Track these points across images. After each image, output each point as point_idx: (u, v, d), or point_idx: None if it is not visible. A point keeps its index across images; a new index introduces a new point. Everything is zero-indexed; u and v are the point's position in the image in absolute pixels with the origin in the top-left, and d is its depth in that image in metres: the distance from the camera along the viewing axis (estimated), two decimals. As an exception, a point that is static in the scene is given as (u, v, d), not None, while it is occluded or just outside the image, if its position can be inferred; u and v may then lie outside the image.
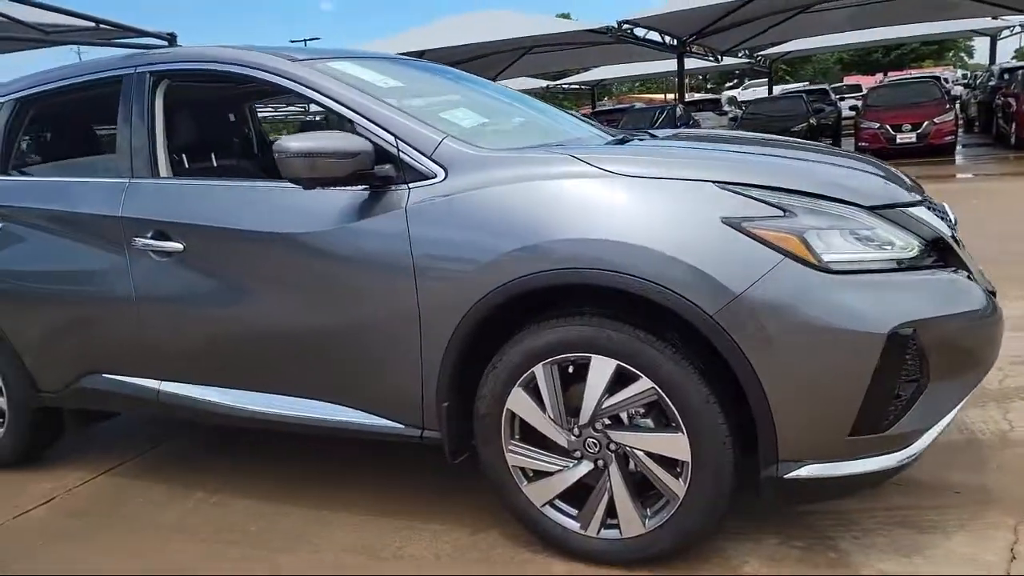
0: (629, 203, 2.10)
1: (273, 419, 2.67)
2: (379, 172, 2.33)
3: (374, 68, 2.91)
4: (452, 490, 2.78)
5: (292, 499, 2.90)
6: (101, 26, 10.47)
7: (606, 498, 2.21)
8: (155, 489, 3.11)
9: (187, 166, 3.37)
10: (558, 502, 2.30)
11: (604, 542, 2.25)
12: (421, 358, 2.33)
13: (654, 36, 18.04)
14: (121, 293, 2.80)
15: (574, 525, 2.28)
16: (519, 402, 2.25)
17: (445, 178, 2.30)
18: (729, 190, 2.04)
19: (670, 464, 2.12)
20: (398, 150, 2.36)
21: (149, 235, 2.72)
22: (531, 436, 2.30)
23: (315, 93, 2.54)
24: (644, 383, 2.07)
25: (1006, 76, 15.95)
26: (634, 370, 2.07)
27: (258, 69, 2.67)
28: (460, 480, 2.71)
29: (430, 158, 2.33)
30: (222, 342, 2.70)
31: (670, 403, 2.05)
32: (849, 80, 35.32)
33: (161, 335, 2.79)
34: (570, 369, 2.18)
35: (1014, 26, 25.58)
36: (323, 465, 3.16)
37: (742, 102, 22.85)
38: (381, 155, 2.33)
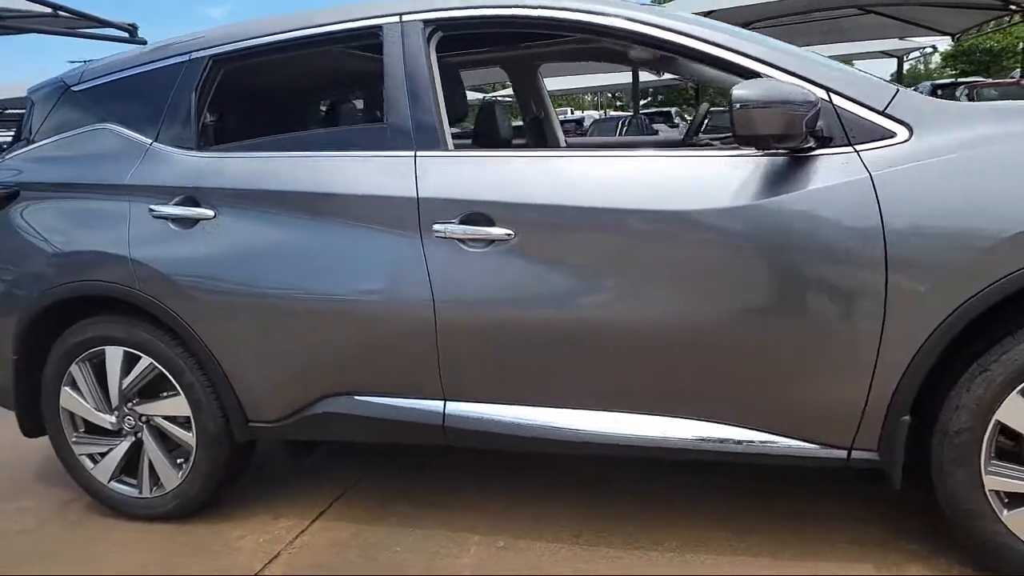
0: None
1: (619, 442, 2.17)
2: (818, 132, 1.89)
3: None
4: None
5: (605, 536, 2.39)
6: (60, 13, 9.39)
7: None
8: (401, 534, 2.53)
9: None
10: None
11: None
12: (876, 363, 1.90)
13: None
14: (408, 293, 2.24)
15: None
16: (1015, 411, 1.85)
17: (909, 138, 1.88)
18: None
19: None
20: (832, 105, 1.92)
21: (456, 220, 2.17)
22: (1007, 453, 1.91)
23: (696, 42, 2.07)
24: None
25: (939, 93, 16.57)
26: None
27: (593, 14, 2.18)
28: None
29: (883, 113, 1.91)
30: (562, 350, 2.17)
31: None
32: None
33: (467, 343, 2.23)
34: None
35: (925, 47, 26.94)
36: (592, 485, 2.66)
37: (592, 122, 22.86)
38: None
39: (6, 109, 19.21)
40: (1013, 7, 13.80)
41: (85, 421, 2.75)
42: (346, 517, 2.68)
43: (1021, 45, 27.97)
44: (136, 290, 2.47)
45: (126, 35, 10.44)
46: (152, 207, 2.47)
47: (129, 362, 2.59)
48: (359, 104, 3.42)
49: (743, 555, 2.26)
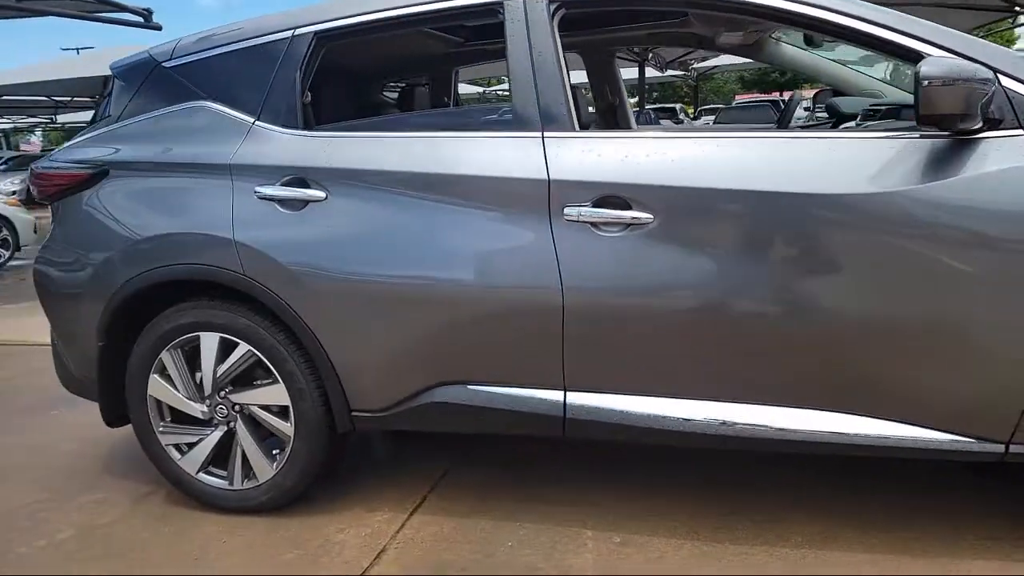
0: None
1: (763, 436, 2.10)
2: (990, 114, 1.82)
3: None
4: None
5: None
6: (75, -5, 9.23)
7: None
8: (507, 528, 2.45)
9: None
10: None
11: None
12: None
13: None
14: (534, 278, 2.16)
15: None
16: None
17: None
18: None
19: None
20: (1000, 86, 1.86)
21: (590, 203, 2.09)
22: None
23: (860, 23, 2.00)
24: None
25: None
26: None
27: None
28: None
29: None
30: (696, 338, 2.10)
31: None
32: (740, 99, 36.63)
33: (596, 331, 2.16)
34: None
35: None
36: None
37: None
38: None
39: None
40: (1018, 8, 13.87)
41: (172, 410, 2.65)
42: (443, 510, 2.60)
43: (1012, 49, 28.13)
44: (240, 274, 2.38)
45: (141, 20, 10.30)
46: (257, 188, 2.37)
47: (225, 349, 2.50)
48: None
49: (875, 552, 2.19)
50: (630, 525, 2.42)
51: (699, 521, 2.42)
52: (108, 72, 2.75)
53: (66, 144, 2.79)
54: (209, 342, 2.50)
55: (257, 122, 2.44)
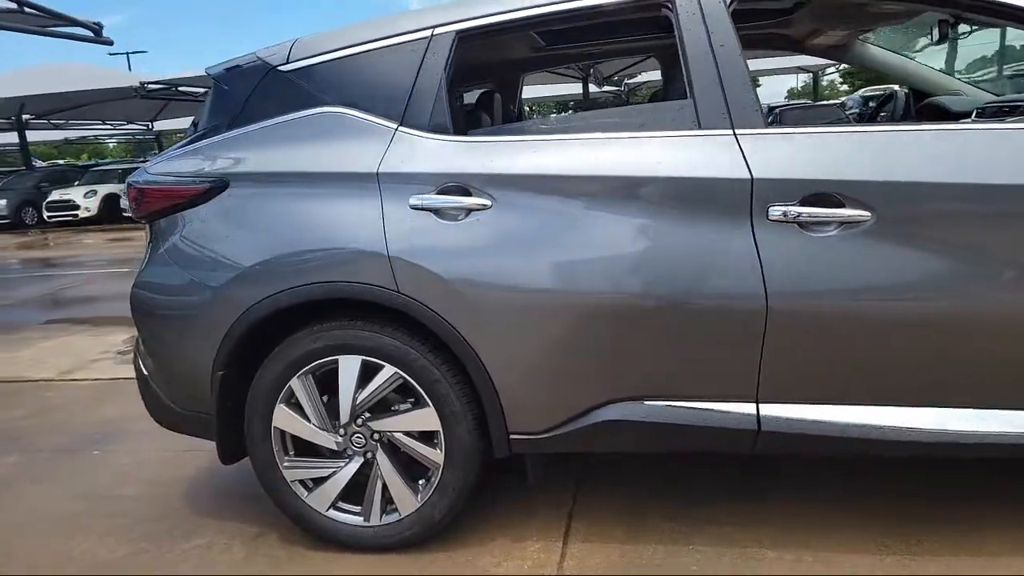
0: None
1: (981, 441, 2.03)
2: None
3: None
4: None
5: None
6: (26, 10, 8.75)
7: None
8: (682, 552, 2.32)
9: None
10: None
11: None
12: None
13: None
14: (733, 283, 2.04)
15: None
16: None
17: None
18: None
19: None
20: None
21: (796, 201, 2.00)
22: None
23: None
24: None
25: (871, 104, 17.10)
26: None
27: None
28: None
29: None
30: (912, 342, 2.02)
31: None
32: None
33: (801, 339, 2.06)
34: None
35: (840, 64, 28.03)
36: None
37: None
38: None
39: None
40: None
41: (297, 442, 2.43)
42: (598, 537, 2.45)
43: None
44: (394, 291, 2.19)
45: (91, 34, 9.84)
46: (412, 198, 2.19)
47: (367, 373, 2.30)
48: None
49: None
50: (808, 541, 2.32)
51: (879, 531, 2.33)
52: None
53: (162, 156, 2.54)
54: (349, 366, 2.30)
55: (401, 128, 2.27)
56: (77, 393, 4.56)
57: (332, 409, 2.37)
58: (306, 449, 2.44)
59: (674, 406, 2.17)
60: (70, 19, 9.23)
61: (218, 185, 2.35)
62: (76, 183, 19.92)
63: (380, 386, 2.30)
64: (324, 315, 2.32)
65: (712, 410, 2.15)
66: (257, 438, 2.41)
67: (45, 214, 19.10)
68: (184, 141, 2.54)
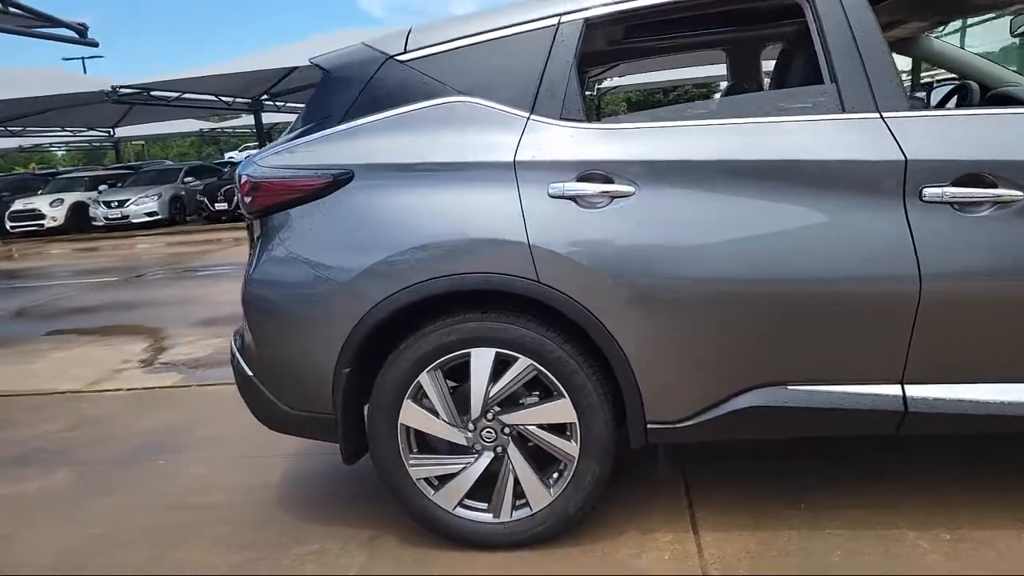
0: None
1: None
2: None
3: None
4: None
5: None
6: (10, 9, 8.49)
7: None
8: (818, 538, 2.32)
9: None
10: None
11: None
12: None
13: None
14: (884, 266, 2.06)
15: None
16: None
17: None
18: None
19: None
20: None
21: (949, 182, 2.02)
22: None
23: None
24: None
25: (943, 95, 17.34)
26: None
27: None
28: None
29: None
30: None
31: None
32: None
33: (952, 320, 2.07)
34: None
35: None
36: None
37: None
38: None
39: None
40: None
41: (422, 439, 2.38)
42: (726, 526, 2.44)
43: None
44: (534, 280, 2.16)
45: (76, 35, 9.59)
46: (550, 186, 2.17)
47: (500, 365, 2.26)
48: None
49: None
50: (948, 522, 2.33)
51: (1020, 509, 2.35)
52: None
53: (270, 150, 2.46)
54: (482, 359, 2.26)
55: (533, 116, 2.24)
56: (112, 404, 4.42)
57: (459, 404, 2.32)
58: (431, 446, 2.38)
59: (819, 390, 2.17)
60: (55, 20, 8.97)
61: (342, 178, 2.28)
62: (40, 191, 19.36)
63: (514, 379, 2.26)
64: (448, 309, 2.28)
65: (856, 393, 2.16)
66: (382, 436, 2.35)
67: (8, 224, 18.49)
68: (292, 134, 2.47)
